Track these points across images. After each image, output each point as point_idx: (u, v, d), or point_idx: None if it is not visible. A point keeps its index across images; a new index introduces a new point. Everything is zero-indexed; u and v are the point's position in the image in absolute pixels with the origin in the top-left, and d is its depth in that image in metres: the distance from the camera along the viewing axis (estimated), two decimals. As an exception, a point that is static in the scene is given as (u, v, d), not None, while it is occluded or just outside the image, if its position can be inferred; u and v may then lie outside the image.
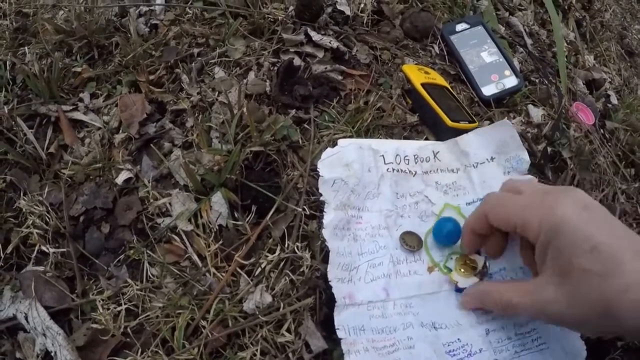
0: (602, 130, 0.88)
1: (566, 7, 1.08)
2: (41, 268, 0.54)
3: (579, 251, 0.39)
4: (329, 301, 0.50)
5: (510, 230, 0.47)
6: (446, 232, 0.54)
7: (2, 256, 0.56)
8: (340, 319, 0.48)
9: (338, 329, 0.48)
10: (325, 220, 0.53)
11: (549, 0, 0.92)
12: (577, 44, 1.03)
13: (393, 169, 0.59)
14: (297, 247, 0.52)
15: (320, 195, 0.54)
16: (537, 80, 0.82)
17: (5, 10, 0.80)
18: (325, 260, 0.52)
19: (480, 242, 0.52)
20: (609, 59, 1.13)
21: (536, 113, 0.76)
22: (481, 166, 0.60)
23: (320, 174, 0.55)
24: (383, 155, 0.59)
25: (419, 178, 0.59)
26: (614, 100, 0.99)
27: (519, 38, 0.90)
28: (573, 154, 0.72)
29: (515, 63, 0.81)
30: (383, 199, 0.57)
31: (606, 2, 1.28)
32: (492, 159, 0.60)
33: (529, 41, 0.91)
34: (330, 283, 0.50)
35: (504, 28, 0.89)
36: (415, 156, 0.60)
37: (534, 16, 0.99)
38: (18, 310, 0.52)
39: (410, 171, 0.59)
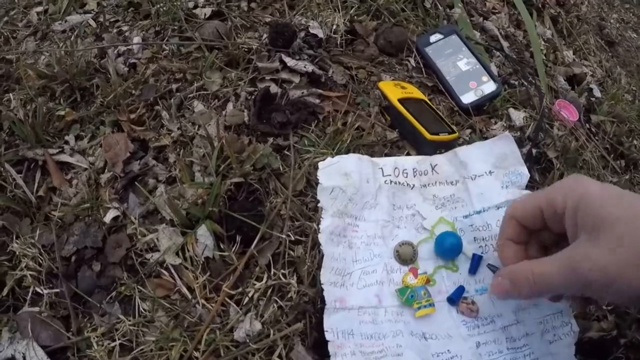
0: (587, 125, 0.88)
1: (540, 5, 1.09)
2: (37, 309, 0.55)
3: (609, 202, 0.40)
4: (319, 325, 0.50)
5: (538, 221, 0.47)
6: (448, 245, 0.55)
7: (-1, 299, 0.57)
8: (330, 321, 0.50)
9: (327, 331, 0.49)
10: (322, 226, 0.55)
11: (519, 1, 0.93)
12: (554, 40, 1.03)
13: (391, 181, 0.60)
14: (284, 273, 0.53)
15: (318, 201, 0.56)
16: (516, 83, 0.83)
17: (-12, 57, 0.81)
18: (313, 284, 0.53)
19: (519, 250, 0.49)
20: (588, 52, 1.13)
21: (517, 116, 0.76)
22: (479, 179, 0.60)
23: (320, 181, 0.57)
24: (382, 168, 0.60)
25: (416, 191, 0.60)
26: (597, 93, 0.99)
27: (495, 42, 0.91)
28: (559, 153, 0.72)
29: (493, 68, 0.82)
30: (380, 209, 0.58)
31: (581, -5, 1.29)
32: (490, 172, 0.60)
33: (505, 44, 0.91)
34: (322, 286, 0.51)
35: (479, 33, 0.90)
36: (414, 169, 0.61)
37: (509, 18, 0.99)
38: (16, 350, 0.53)
39: (408, 184, 0.60)
